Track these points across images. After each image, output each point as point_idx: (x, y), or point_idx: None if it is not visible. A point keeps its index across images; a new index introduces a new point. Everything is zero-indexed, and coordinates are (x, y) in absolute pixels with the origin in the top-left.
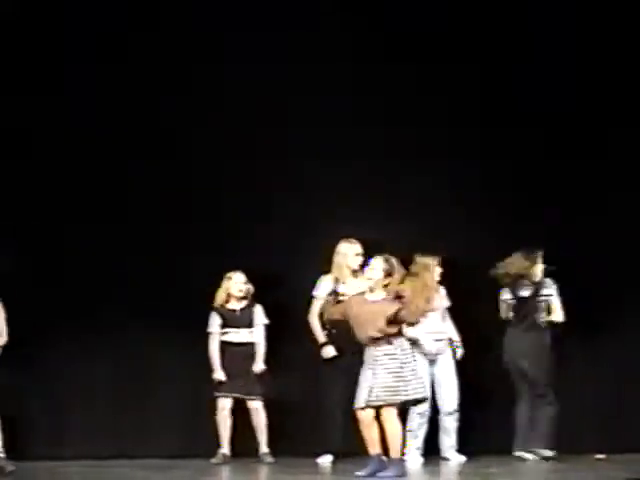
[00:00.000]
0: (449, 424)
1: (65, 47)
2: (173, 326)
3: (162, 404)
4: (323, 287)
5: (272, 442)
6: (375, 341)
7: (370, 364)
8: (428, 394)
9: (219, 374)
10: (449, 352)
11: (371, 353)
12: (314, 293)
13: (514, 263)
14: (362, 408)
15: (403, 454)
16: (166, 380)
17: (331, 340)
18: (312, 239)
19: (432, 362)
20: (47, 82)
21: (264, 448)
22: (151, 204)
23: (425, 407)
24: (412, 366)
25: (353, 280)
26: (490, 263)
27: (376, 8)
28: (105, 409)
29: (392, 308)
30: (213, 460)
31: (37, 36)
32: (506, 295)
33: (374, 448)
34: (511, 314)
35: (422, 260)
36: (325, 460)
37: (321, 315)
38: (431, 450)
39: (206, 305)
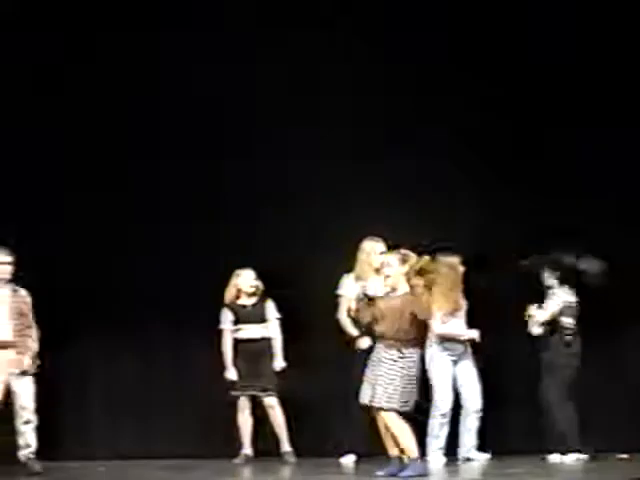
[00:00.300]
0: (472, 424)
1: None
2: (194, 326)
3: (184, 404)
4: (347, 286)
5: (293, 442)
6: (394, 340)
7: (386, 363)
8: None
9: (231, 373)
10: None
11: (388, 352)
12: (339, 292)
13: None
14: (367, 407)
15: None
16: (188, 380)
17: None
18: (328, 237)
19: (455, 362)
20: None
21: (286, 447)
22: (176, 203)
23: (447, 408)
24: (409, 378)
25: (376, 278)
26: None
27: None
28: (127, 409)
29: (412, 304)
30: (235, 460)
31: None
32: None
33: (394, 449)
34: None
35: (447, 260)
36: (348, 460)
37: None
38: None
39: (221, 305)
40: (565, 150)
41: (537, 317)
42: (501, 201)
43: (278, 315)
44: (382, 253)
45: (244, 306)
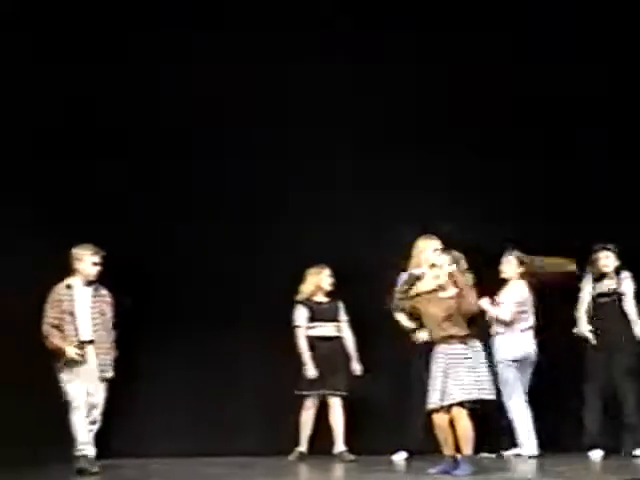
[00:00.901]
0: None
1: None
2: (251, 324)
3: (240, 402)
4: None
5: (349, 440)
6: (447, 339)
7: (440, 363)
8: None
9: (311, 371)
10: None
11: (443, 351)
12: (396, 288)
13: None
14: (436, 410)
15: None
16: (244, 378)
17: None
18: (391, 236)
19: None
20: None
21: (342, 446)
22: (241, 203)
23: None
24: (484, 367)
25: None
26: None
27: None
28: (185, 407)
29: (462, 302)
30: (290, 457)
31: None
32: None
33: (448, 447)
34: None
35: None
36: (399, 457)
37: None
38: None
39: (280, 303)
40: None
41: None
42: None
43: (346, 317)
44: (436, 250)
45: (320, 303)
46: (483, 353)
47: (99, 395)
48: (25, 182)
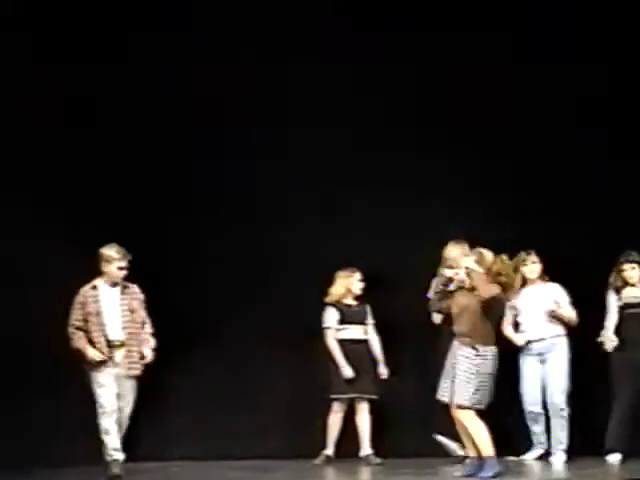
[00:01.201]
0: (556, 424)
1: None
2: (275, 327)
3: (264, 405)
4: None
5: (376, 443)
6: (470, 338)
7: (461, 361)
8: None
9: (347, 370)
10: (560, 350)
11: (463, 350)
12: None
13: None
14: (469, 408)
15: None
16: (268, 381)
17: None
18: (418, 240)
19: (542, 361)
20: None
21: (368, 449)
22: (257, 203)
23: (531, 407)
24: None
25: None
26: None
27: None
28: (208, 410)
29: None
30: (316, 461)
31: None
32: None
33: (472, 449)
34: None
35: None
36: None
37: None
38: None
39: (305, 307)
40: None
41: None
42: None
43: (373, 320)
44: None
45: (349, 306)
46: (492, 360)
47: (128, 396)
48: (25, 182)
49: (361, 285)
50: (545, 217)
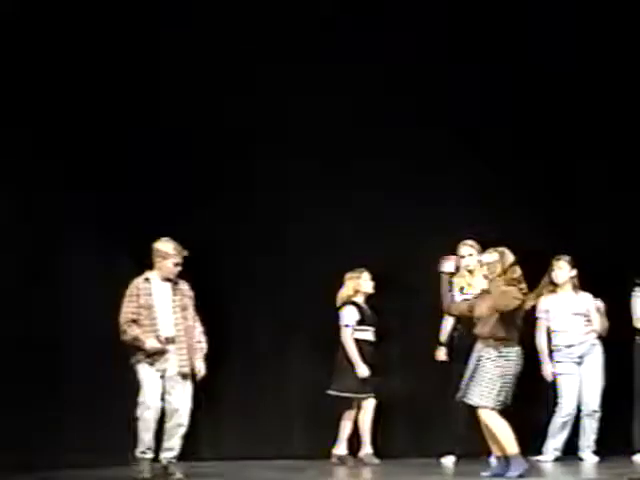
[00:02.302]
0: (589, 425)
1: None
2: (296, 326)
3: (286, 404)
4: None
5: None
6: (493, 340)
7: (485, 363)
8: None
9: (363, 369)
10: (596, 352)
11: (487, 352)
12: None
13: None
14: (492, 408)
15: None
16: (290, 380)
17: (452, 343)
18: (426, 240)
19: (579, 363)
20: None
21: (368, 448)
22: (277, 204)
23: (569, 409)
24: (511, 376)
25: (473, 280)
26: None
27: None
28: (232, 410)
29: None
30: (332, 459)
31: None
32: None
33: (497, 449)
34: None
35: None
36: (448, 460)
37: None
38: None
39: (320, 305)
40: None
41: None
42: None
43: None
44: (470, 255)
45: (364, 307)
46: (515, 360)
47: (180, 396)
48: (24, 181)
49: (372, 284)
50: (545, 217)
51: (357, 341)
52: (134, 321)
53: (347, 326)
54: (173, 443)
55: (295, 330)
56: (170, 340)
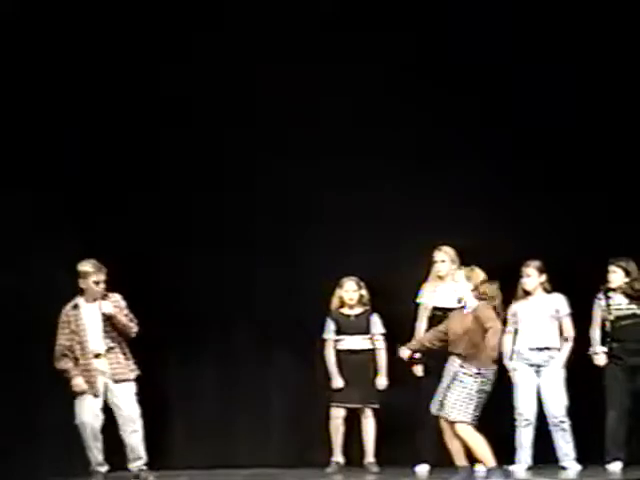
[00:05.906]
0: (560, 436)
1: None
2: (286, 332)
3: (274, 412)
4: (425, 295)
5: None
6: (472, 358)
7: (463, 379)
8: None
9: (337, 381)
10: (555, 362)
11: (466, 369)
12: (419, 301)
13: None
14: (469, 424)
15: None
16: (279, 387)
17: (424, 358)
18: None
19: (538, 372)
20: None
21: (370, 458)
22: (277, 204)
23: (527, 417)
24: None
25: (442, 286)
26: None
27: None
28: (215, 417)
29: (482, 319)
30: (328, 469)
31: None
32: None
33: (460, 459)
34: None
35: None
36: (422, 469)
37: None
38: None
39: (317, 311)
40: None
41: None
42: None
43: (383, 330)
44: (443, 262)
45: (347, 316)
46: (492, 379)
47: (126, 400)
48: (24, 182)
49: (352, 296)
50: (545, 217)
51: (339, 351)
52: (67, 348)
53: (324, 339)
54: (138, 452)
55: (274, 336)
56: (103, 356)
